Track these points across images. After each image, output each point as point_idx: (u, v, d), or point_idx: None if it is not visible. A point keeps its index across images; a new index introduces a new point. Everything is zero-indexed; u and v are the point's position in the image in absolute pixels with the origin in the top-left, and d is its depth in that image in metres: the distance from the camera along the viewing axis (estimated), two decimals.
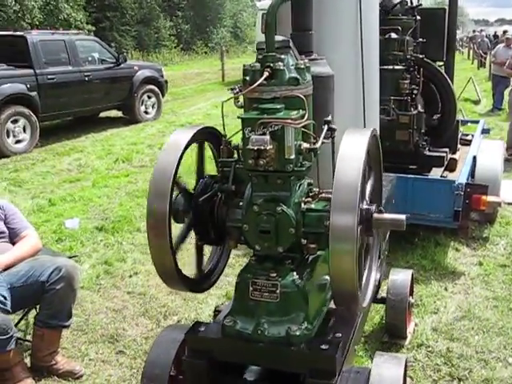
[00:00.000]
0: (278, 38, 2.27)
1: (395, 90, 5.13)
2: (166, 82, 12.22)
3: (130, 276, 4.51)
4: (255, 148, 1.95)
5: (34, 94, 9.02)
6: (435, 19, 5.68)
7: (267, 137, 1.96)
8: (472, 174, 5.22)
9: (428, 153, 5.46)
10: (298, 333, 2.19)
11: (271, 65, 2.14)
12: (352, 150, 2.06)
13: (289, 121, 1.98)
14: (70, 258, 3.60)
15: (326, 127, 2.21)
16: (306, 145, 2.09)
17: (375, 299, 3.48)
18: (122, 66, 10.87)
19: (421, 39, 5.49)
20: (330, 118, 2.26)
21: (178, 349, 2.52)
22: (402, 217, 2.27)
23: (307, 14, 2.56)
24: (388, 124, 5.11)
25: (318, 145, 2.11)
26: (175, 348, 2.52)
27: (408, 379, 2.99)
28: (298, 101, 2.14)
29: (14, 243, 3.41)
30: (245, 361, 2.31)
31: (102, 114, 11.84)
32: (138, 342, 3.57)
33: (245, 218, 2.27)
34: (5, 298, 2.98)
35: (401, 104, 5.15)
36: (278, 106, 2.06)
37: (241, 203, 2.32)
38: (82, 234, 5.35)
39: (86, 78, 10.04)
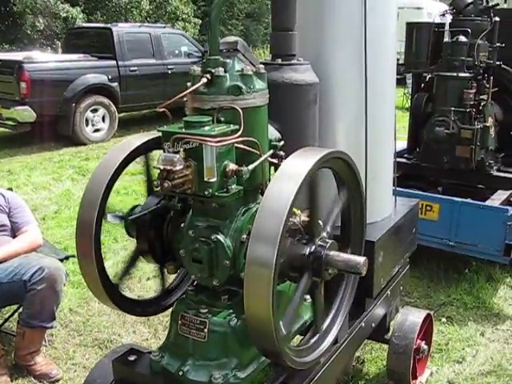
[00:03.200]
0: (229, 38, 1.98)
1: (458, 101, 4.58)
2: None
3: (148, 279, 4.38)
4: (161, 167, 1.67)
5: (114, 84, 9.26)
6: None
7: (177, 156, 1.67)
8: None
9: (495, 173, 4.83)
10: (220, 381, 1.89)
11: (212, 70, 1.86)
12: (290, 171, 1.73)
13: (206, 138, 1.68)
14: (67, 258, 3.52)
15: (269, 152, 1.90)
16: (232, 166, 1.77)
17: (381, 339, 3.08)
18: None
19: (498, 43, 4.84)
20: (277, 141, 1.94)
21: None
22: (360, 259, 1.89)
23: (288, 11, 2.21)
24: (447, 138, 4.60)
25: (249, 167, 1.78)
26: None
27: None
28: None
29: (15, 237, 3.39)
30: None
31: None
32: None
33: (182, 243, 2.02)
34: None
35: (464, 116, 4.58)
36: (205, 120, 1.77)
37: (183, 224, 2.06)
38: (120, 229, 5.31)
39: (169, 72, 10.15)
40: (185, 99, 1.95)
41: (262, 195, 2.03)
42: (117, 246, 4.99)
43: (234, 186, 1.80)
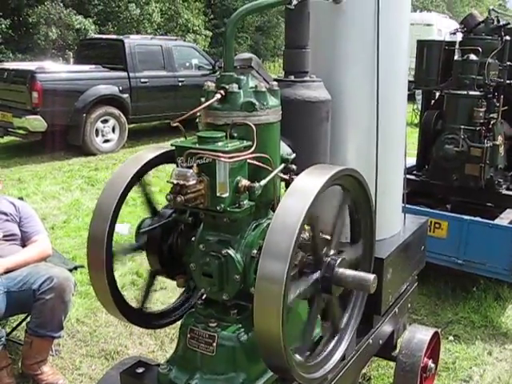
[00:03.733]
0: (243, 55, 2.01)
1: (468, 119, 4.59)
2: None
3: (156, 290, 4.38)
4: (175, 182, 1.69)
5: (125, 96, 9.34)
6: None
7: (190, 170, 1.69)
8: None
9: (504, 191, 4.82)
10: None
11: (226, 86, 1.88)
12: (301, 188, 1.75)
13: (218, 154, 1.70)
14: (76, 268, 3.54)
15: (281, 166, 1.92)
16: (244, 182, 1.79)
17: (388, 356, 3.07)
18: (218, 73, 10.94)
19: (509, 62, 4.85)
20: (289, 155, 1.97)
21: None
22: (369, 277, 1.90)
23: (301, 29, 2.24)
24: (457, 155, 4.60)
25: (261, 183, 1.80)
26: None
27: None
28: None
29: (24, 246, 3.42)
30: None
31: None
32: None
33: (193, 257, 2.03)
34: None
35: (473, 134, 4.59)
36: (218, 135, 1.79)
37: (193, 238, 2.08)
38: (127, 240, 5.34)
39: (180, 84, 10.23)
40: (198, 114, 1.97)
41: (273, 211, 2.06)
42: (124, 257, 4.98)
43: (245, 202, 1.81)
